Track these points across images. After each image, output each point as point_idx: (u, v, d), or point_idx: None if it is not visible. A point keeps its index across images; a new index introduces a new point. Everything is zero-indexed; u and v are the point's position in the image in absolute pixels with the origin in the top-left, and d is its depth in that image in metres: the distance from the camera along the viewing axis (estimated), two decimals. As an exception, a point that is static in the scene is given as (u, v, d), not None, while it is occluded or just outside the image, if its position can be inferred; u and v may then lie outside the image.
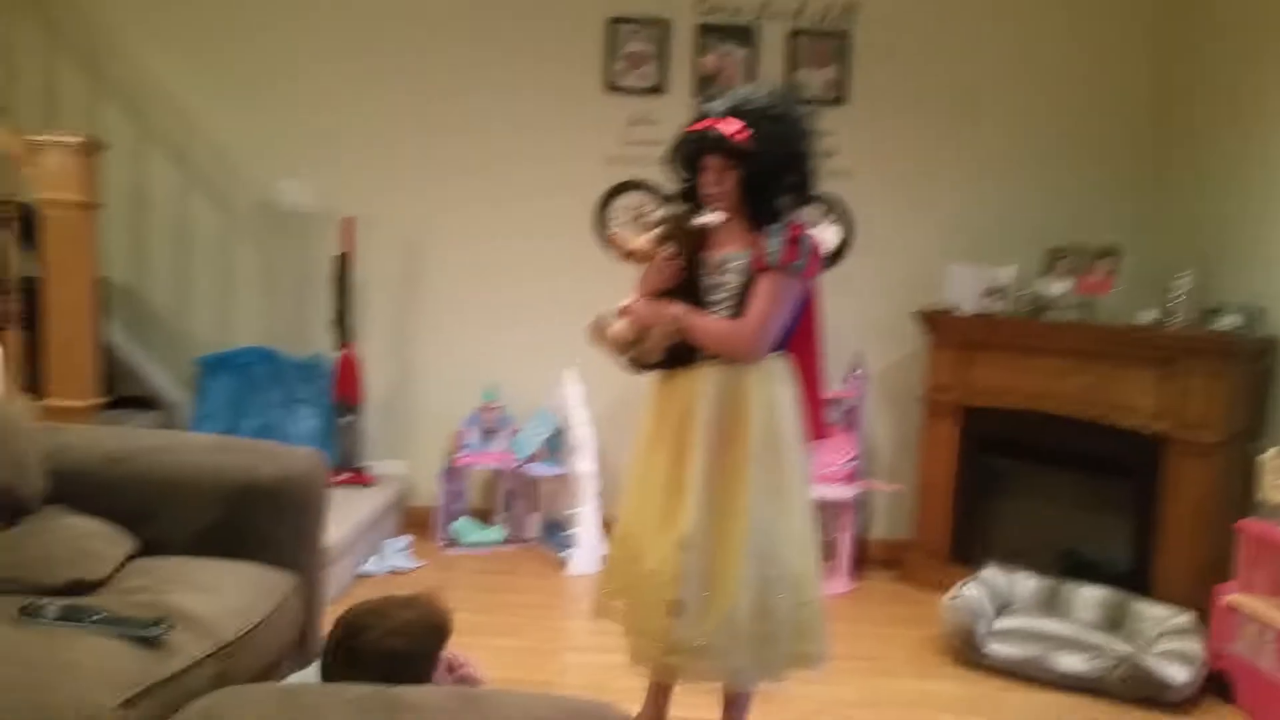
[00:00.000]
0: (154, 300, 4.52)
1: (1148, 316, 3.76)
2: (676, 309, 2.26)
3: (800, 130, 2.18)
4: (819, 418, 2.34)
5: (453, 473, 4.39)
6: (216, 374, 4.36)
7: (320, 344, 4.44)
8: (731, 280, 2.26)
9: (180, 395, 4.51)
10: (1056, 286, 4.09)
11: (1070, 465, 3.93)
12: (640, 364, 2.34)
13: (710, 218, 2.23)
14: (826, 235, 2.48)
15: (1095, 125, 4.37)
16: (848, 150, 4.39)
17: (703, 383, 2.24)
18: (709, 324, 2.26)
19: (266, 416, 4.31)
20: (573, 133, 4.43)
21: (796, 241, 2.18)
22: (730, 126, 2.14)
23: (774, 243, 2.18)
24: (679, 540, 2.18)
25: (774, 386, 2.25)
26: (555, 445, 4.40)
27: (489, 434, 4.45)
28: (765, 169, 2.15)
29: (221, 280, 4.53)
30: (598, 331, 2.34)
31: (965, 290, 4.18)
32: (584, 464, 4.19)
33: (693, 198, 2.28)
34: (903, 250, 4.46)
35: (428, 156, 4.44)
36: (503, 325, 4.54)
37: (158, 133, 4.39)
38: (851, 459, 4.22)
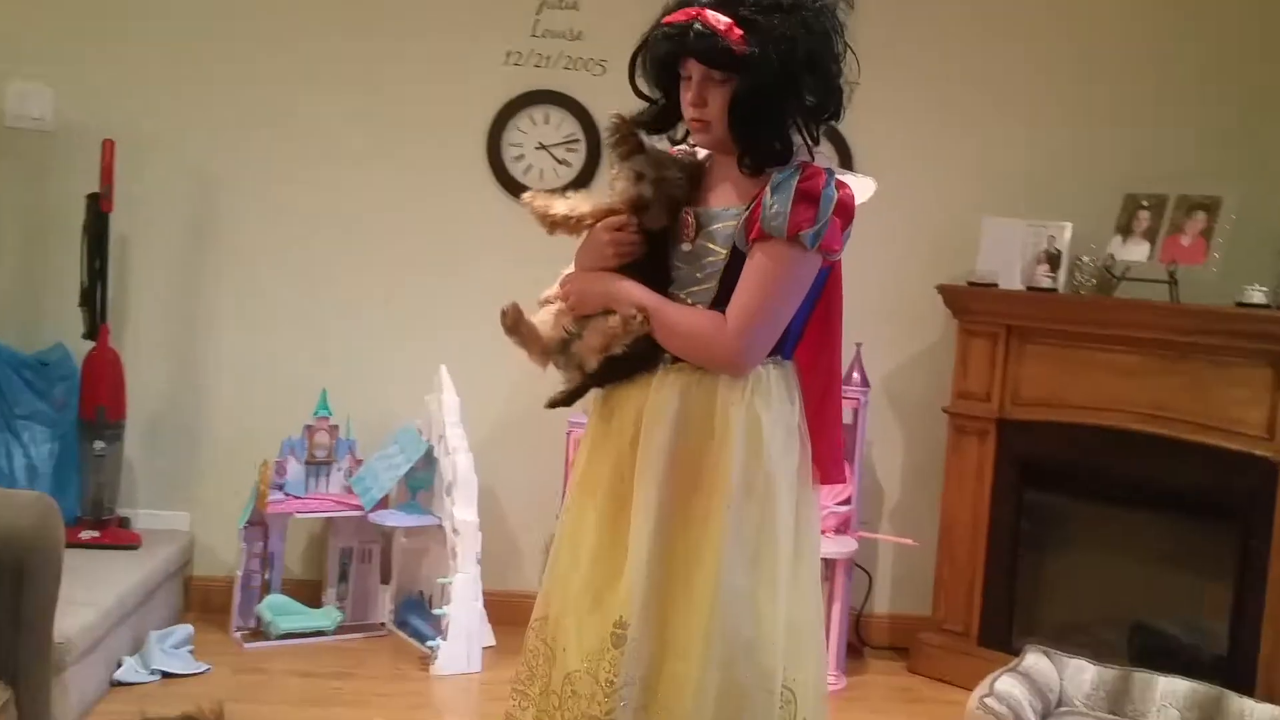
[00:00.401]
0: None
1: (1257, 295, 3.77)
2: (639, 293, 2.17)
3: (821, 27, 2.08)
4: (832, 453, 2.28)
5: (261, 527, 4.22)
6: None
7: (60, 331, 4.23)
8: (716, 253, 2.18)
9: None
10: (1132, 251, 4.11)
11: (1147, 504, 3.99)
12: (573, 374, 2.29)
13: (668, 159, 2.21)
14: (859, 185, 2.24)
15: (1184, 36, 4.46)
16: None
17: (660, 400, 2.18)
18: (682, 315, 2.18)
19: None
20: (455, 18, 4.39)
21: (813, 196, 2.06)
22: (722, 19, 2.04)
23: (778, 197, 2.08)
24: (612, 627, 2.11)
25: (765, 407, 2.17)
26: (420, 482, 4.27)
27: (319, 467, 4.28)
28: (770, 83, 2.05)
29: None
30: (514, 322, 2.26)
31: (1006, 256, 4.20)
32: (462, 510, 4.02)
33: (668, 124, 2.25)
34: (918, 199, 4.47)
35: (232, 49, 4.33)
36: (342, 305, 4.43)
37: None
38: (843, 500, 4.22)
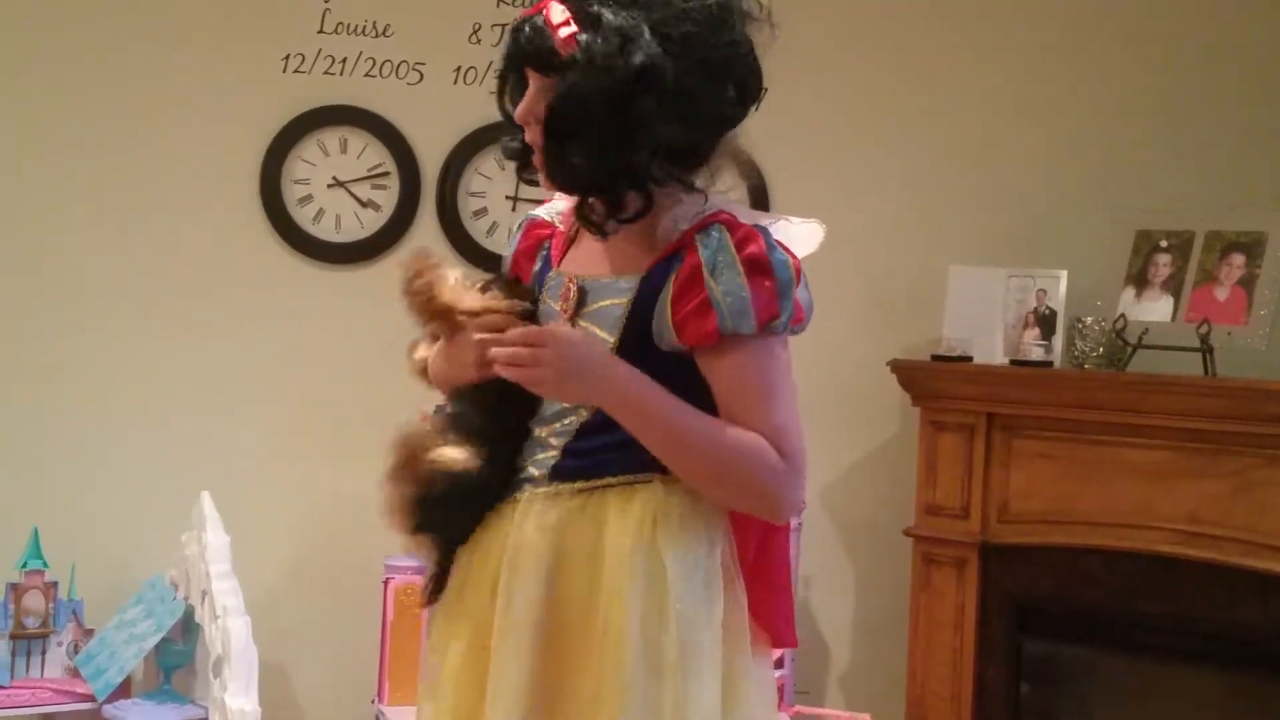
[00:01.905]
0: None
1: None
2: (624, 372, 2.18)
3: (687, 30, 2.11)
4: (778, 604, 2.32)
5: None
6: None
7: None
8: (598, 338, 2.24)
9: None
10: (1150, 308, 4.14)
11: (1188, 653, 3.99)
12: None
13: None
14: (800, 235, 2.31)
15: (1207, 25, 4.45)
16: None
17: (524, 538, 2.23)
18: (717, 432, 2.19)
19: None
20: (211, 10, 4.46)
21: (763, 266, 2.13)
22: (562, 12, 2.11)
23: (725, 280, 2.13)
24: None
25: (671, 543, 2.18)
26: (175, 659, 4.22)
27: (29, 642, 4.23)
28: (586, 93, 2.09)
29: None
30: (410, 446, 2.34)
31: (981, 318, 4.24)
32: (237, 697, 3.85)
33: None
34: (861, 246, 4.48)
35: None
36: (61, 410, 4.43)
37: None
38: (776, 663, 3.99)
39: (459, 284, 2.30)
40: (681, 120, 2.11)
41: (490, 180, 4.40)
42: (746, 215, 2.19)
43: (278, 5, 4.43)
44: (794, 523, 4.05)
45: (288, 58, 4.41)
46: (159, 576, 4.23)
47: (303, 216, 4.39)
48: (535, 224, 2.40)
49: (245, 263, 4.40)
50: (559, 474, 2.22)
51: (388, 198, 4.39)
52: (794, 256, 2.15)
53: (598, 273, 2.24)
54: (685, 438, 2.14)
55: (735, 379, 2.14)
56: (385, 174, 4.41)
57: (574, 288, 2.24)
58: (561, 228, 2.34)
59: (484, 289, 2.33)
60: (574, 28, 2.08)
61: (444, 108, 4.39)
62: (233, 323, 4.37)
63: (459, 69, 4.38)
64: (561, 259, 2.31)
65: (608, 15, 2.07)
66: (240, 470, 4.24)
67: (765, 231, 2.14)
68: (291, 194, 4.39)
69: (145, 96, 4.37)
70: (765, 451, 2.12)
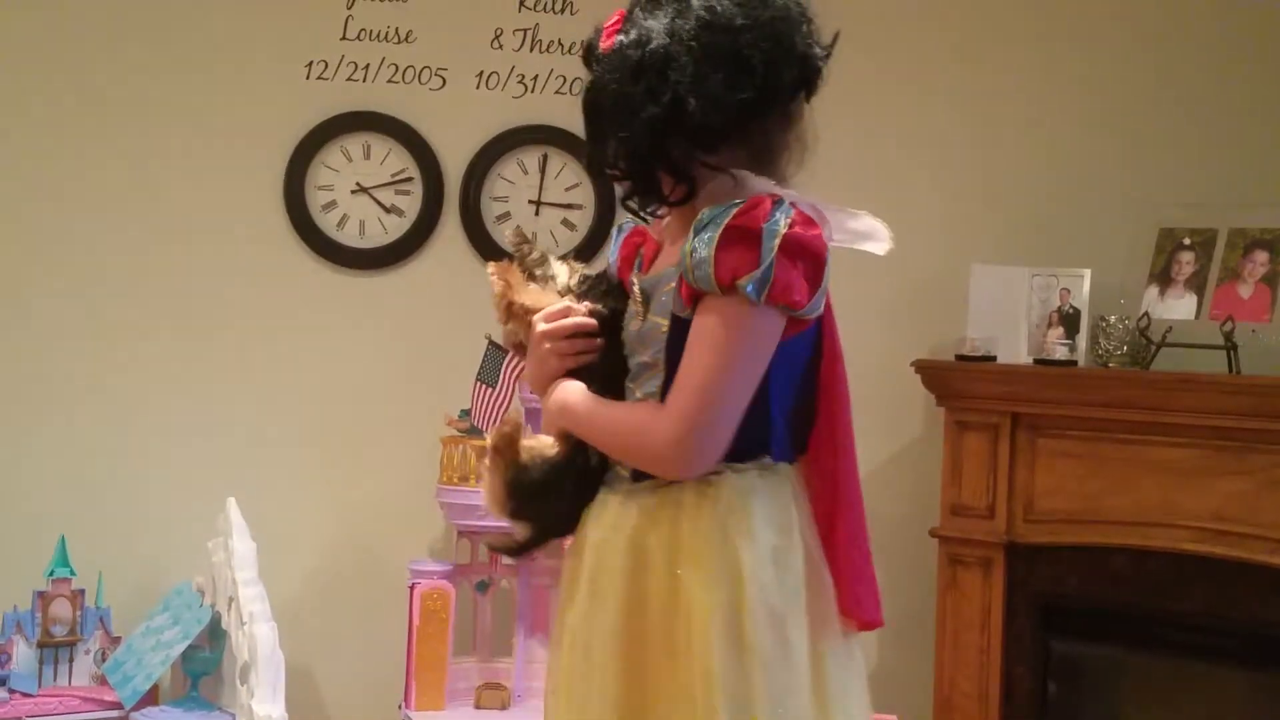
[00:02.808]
0: None
1: None
2: (561, 396, 2.33)
3: (709, 19, 2.18)
4: (864, 583, 2.32)
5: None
6: None
7: None
8: (659, 327, 2.29)
9: None
10: (1174, 306, 4.15)
11: (1216, 652, 3.98)
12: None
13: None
14: (863, 230, 2.43)
15: (1231, 17, 4.44)
16: None
17: (602, 533, 2.30)
18: (610, 411, 2.30)
19: None
20: (236, 20, 4.48)
21: (749, 232, 2.13)
22: (612, 22, 2.24)
23: (701, 238, 2.16)
24: None
25: (746, 532, 2.20)
26: (202, 666, 4.22)
27: (57, 650, 4.24)
28: (608, 80, 2.21)
29: None
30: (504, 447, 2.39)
31: (1005, 317, 4.24)
32: (265, 704, 3.88)
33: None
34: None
35: None
36: (87, 417, 4.45)
37: None
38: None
39: (541, 285, 2.38)
40: (700, 103, 2.15)
41: (513, 184, 4.41)
42: (801, 200, 2.20)
43: (300, 13, 4.43)
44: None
45: (311, 64, 4.42)
46: (186, 583, 4.23)
47: (327, 223, 4.40)
48: (633, 232, 2.45)
49: (270, 269, 4.41)
50: (639, 472, 2.26)
51: (411, 203, 4.40)
52: (811, 238, 2.15)
53: (659, 269, 2.30)
54: (584, 425, 2.28)
55: (693, 337, 2.16)
56: (408, 179, 4.41)
57: (636, 288, 2.29)
58: (654, 235, 2.39)
59: (584, 289, 2.39)
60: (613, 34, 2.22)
61: (467, 112, 4.40)
62: (258, 329, 4.38)
63: (481, 74, 4.39)
64: (650, 264, 2.36)
65: (638, 14, 2.19)
66: (267, 477, 4.26)
67: (783, 204, 2.14)
68: (315, 200, 4.41)
69: (169, 105, 4.38)
70: (643, 418, 2.21)
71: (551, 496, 2.34)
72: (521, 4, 4.43)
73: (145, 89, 4.38)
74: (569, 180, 4.42)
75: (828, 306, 2.26)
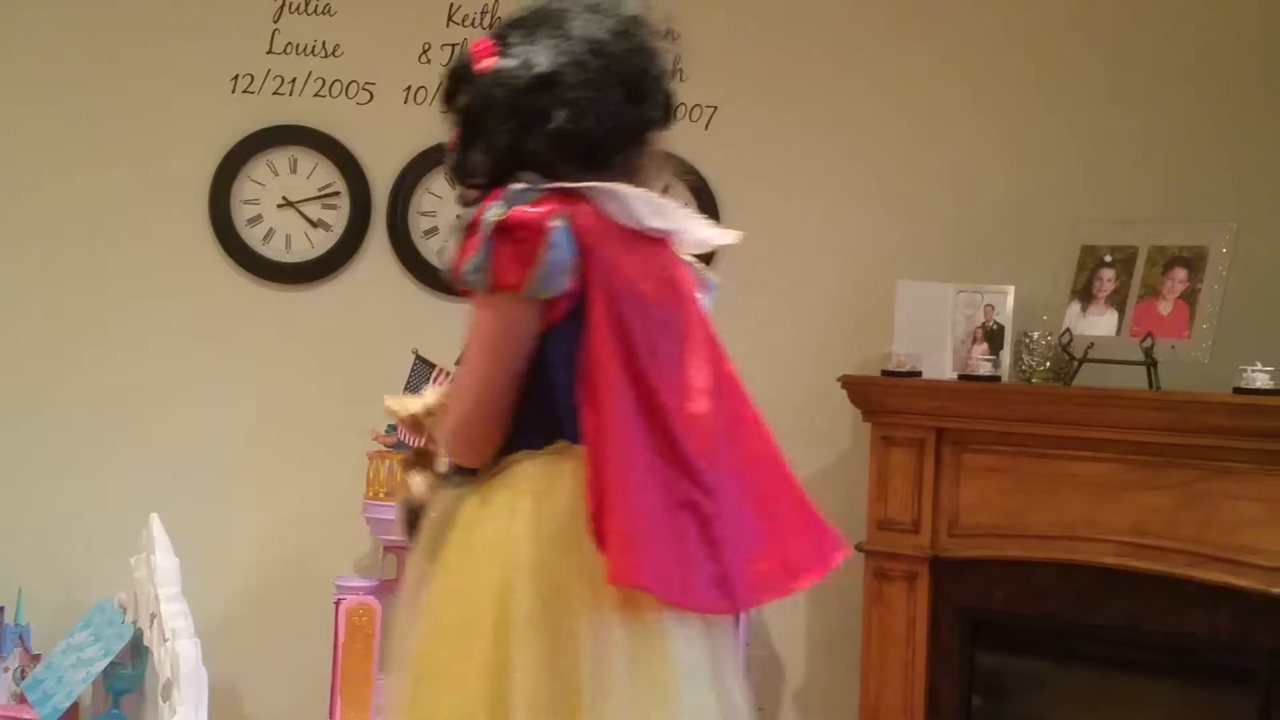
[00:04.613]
0: None
1: (1261, 377, 3.81)
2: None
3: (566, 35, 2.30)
4: (618, 537, 2.20)
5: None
6: None
7: None
8: None
9: None
10: (1095, 323, 4.17)
11: (1137, 664, 4.04)
12: None
13: None
14: (709, 237, 2.45)
15: (1151, 29, 4.45)
16: (701, 69, 4.29)
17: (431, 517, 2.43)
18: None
19: None
20: (159, 33, 4.50)
21: (472, 223, 2.23)
22: (485, 46, 2.33)
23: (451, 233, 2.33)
24: None
25: (509, 510, 2.27)
26: (124, 683, 4.21)
27: None
28: (517, 116, 2.28)
29: None
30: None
31: (930, 333, 4.26)
32: (187, 719, 3.94)
33: None
34: (810, 260, 4.58)
35: None
36: (6, 441, 4.51)
37: None
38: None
39: (423, 397, 2.47)
40: (598, 124, 2.25)
41: (441, 199, 4.38)
42: (596, 189, 2.25)
43: (226, 25, 4.41)
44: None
45: (237, 78, 4.41)
46: (108, 600, 4.22)
47: (252, 236, 4.39)
48: None
49: (195, 283, 4.39)
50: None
51: (338, 217, 4.39)
52: (518, 216, 2.18)
53: None
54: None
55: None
56: (335, 194, 4.41)
57: None
58: None
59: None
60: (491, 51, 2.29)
61: (394, 127, 4.38)
62: (182, 343, 4.36)
63: (409, 88, 4.37)
64: None
65: (517, 39, 2.26)
66: (192, 492, 4.24)
67: (517, 193, 2.19)
68: (241, 214, 4.38)
69: (95, 116, 4.36)
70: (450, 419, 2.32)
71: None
72: (450, 19, 4.41)
73: (71, 100, 4.35)
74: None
75: (611, 292, 2.25)
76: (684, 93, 4.32)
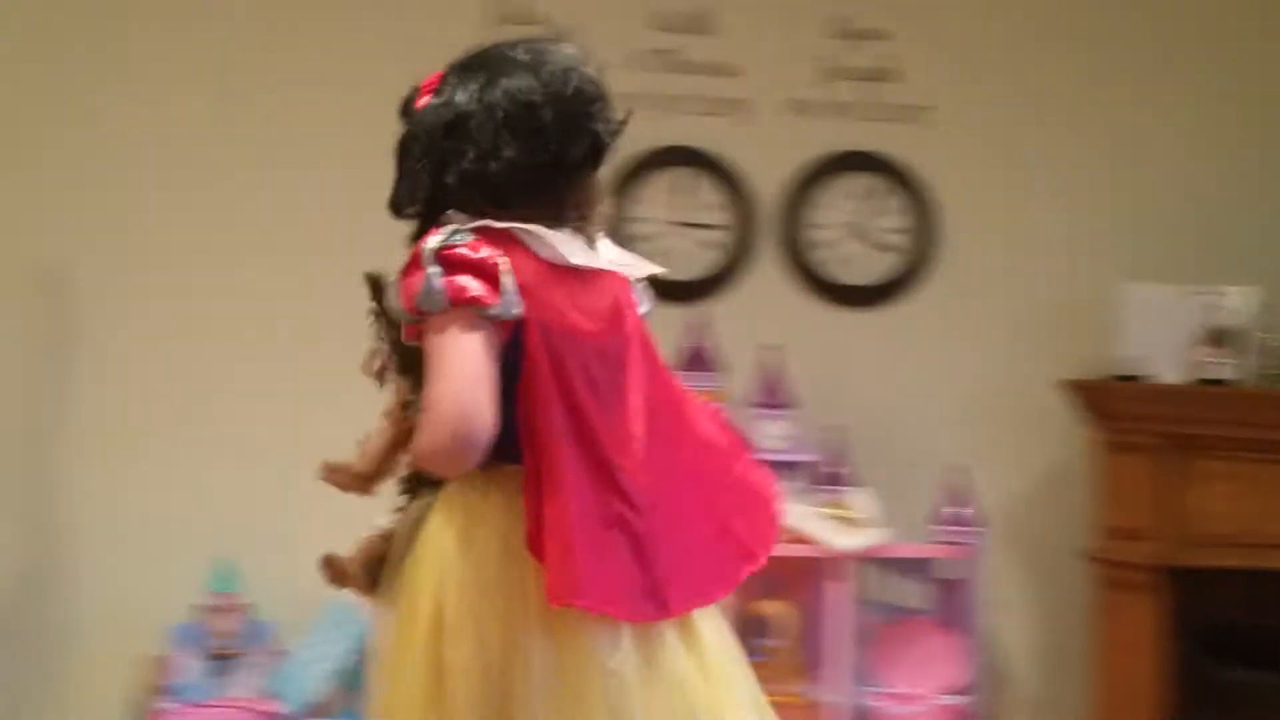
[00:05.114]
0: None
1: None
2: None
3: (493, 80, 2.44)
4: (559, 560, 2.32)
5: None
6: None
7: None
8: None
9: None
10: None
11: None
12: None
13: None
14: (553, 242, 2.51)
15: None
16: (919, 69, 4.55)
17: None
18: None
19: None
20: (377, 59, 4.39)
21: (414, 256, 2.36)
22: (429, 82, 2.50)
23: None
24: None
25: (445, 527, 2.40)
26: (363, 679, 4.17)
27: (224, 662, 4.29)
28: (433, 154, 2.44)
29: None
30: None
31: (1159, 336, 4.22)
32: None
33: None
34: (1030, 264, 4.56)
35: (67, 114, 4.45)
36: (250, 438, 4.48)
37: None
38: (960, 690, 4.22)
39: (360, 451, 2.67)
40: (496, 166, 2.36)
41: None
42: (521, 228, 2.35)
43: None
44: (974, 543, 4.19)
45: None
46: (344, 599, 4.20)
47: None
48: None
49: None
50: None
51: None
52: (463, 252, 2.28)
53: None
54: None
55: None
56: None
57: None
58: None
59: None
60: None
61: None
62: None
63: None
64: None
65: (452, 80, 2.42)
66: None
67: (454, 234, 2.30)
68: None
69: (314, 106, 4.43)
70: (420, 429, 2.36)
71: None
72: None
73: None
74: (708, 201, 4.45)
75: (545, 325, 2.36)
76: (900, 93, 4.43)
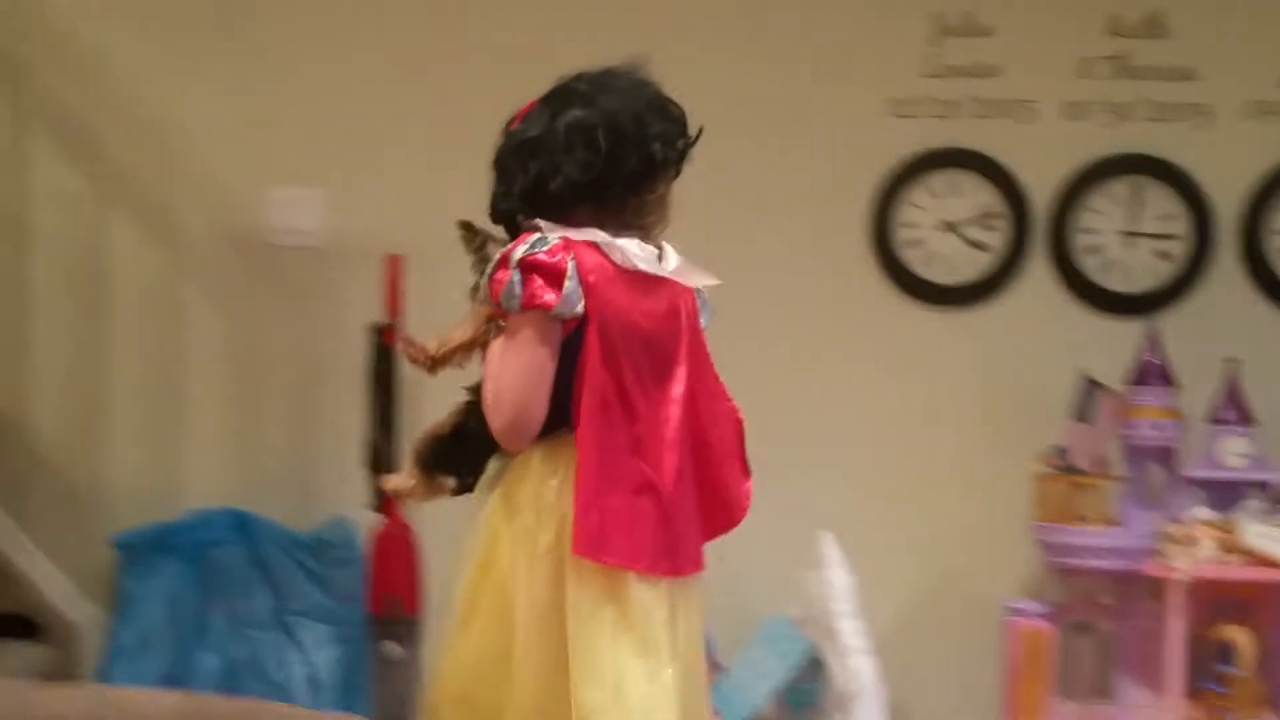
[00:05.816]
0: (39, 433, 4.66)
1: None
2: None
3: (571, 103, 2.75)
4: (599, 521, 2.68)
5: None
6: (149, 565, 4.43)
7: (340, 501, 4.52)
8: None
9: (84, 609, 4.54)
10: None
11: None
12: None
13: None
14: (635, 254, 2.79)
15: None
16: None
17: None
18: None
19: (240, 646, 4.36)
20: (815, 56, 4.57)
21: (504, 259, 2.70)
22: (526, 107, 2.83)
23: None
24: None
25: (521, 481, 2.76)
26: (802, 697, 4.33)
27: None
28: (508, 169, 2.80)
29: (158, 381, 4.62)
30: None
31: None
32: None
33: None
34: None
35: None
36: None
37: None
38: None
39: (439, 335, 2.89)
40: (556, 180, 2.71)
41: (1104, 216, 4.36)
42: (597, 235, 2.68)
43: (881, 51, 4.49)
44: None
45: (894, 101, 4.45)
46: (782, 615, 4.31)
47: (912, 259, 4.43)
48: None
49: (857, 306, 4.46)
50: None
51: (997, 239, 4.38)
52: (544, 258, 2.63)
53: None
54: None
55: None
56: (995, 215, 4.40)
57: None
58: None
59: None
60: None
61: (1054, 145, 4.37)
62: (846, 364, 4.42)
63: (1069, 104, 4.37)
64: None
65: (539, 106, 2.78)
66: (856, 509, 4.26)
67: (540, 241, 2.65)
68: (900, 236, 4.44)
69: (753, 141, 4.42)
70: (487, 404, 2.75)
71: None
72: (1110, 30, 4.42)
73: (727, 120, 4.42)
74: (1162, 210, 4.34)
75: (604, 319, 2.69)
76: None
